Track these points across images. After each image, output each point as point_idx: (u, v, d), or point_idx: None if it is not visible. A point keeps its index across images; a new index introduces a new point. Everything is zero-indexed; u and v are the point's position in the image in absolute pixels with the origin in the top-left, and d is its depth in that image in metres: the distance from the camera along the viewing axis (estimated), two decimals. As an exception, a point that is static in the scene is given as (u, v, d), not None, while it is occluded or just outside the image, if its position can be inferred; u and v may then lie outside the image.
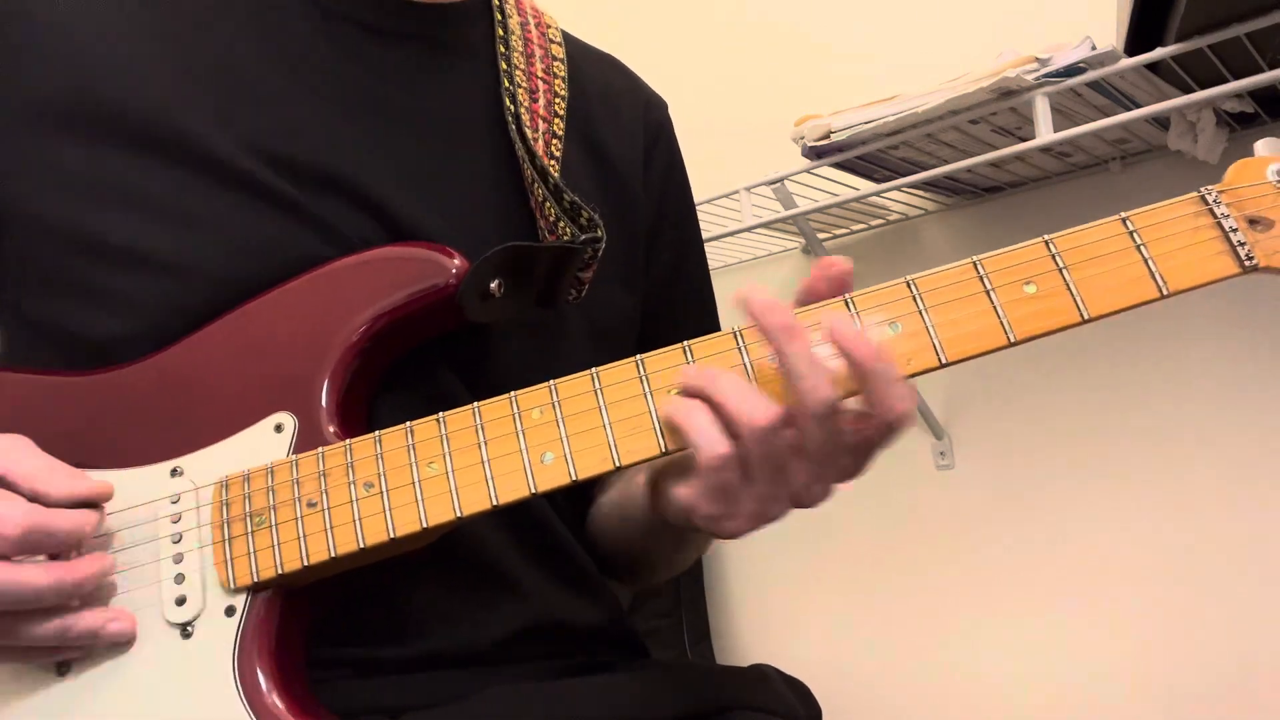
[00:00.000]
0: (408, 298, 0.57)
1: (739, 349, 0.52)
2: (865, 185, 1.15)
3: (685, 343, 0.53)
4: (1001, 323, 0.50)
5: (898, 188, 1.10)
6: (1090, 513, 1.20)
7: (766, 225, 1.19)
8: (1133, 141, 1.11)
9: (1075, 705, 1.20)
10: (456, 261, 0.58)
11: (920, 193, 1.29)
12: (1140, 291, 0.50)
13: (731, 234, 1.23)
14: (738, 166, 1.22)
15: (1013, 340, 0.50)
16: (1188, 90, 0.93)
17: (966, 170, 1.05)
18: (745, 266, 1.48)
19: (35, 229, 0.60)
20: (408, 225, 0.62)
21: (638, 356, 0.53)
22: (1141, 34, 0.87)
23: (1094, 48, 0.90)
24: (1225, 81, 0.88)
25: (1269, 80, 0.85)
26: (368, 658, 0.58)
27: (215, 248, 0.59)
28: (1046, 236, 0.53)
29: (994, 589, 1.27)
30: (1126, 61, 0.89)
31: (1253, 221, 0.51)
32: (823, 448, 0.48)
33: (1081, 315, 0.50)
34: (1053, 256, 0.52)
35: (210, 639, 0.52)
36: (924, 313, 0.51)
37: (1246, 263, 0.50)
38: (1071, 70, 0.91)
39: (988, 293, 0.51)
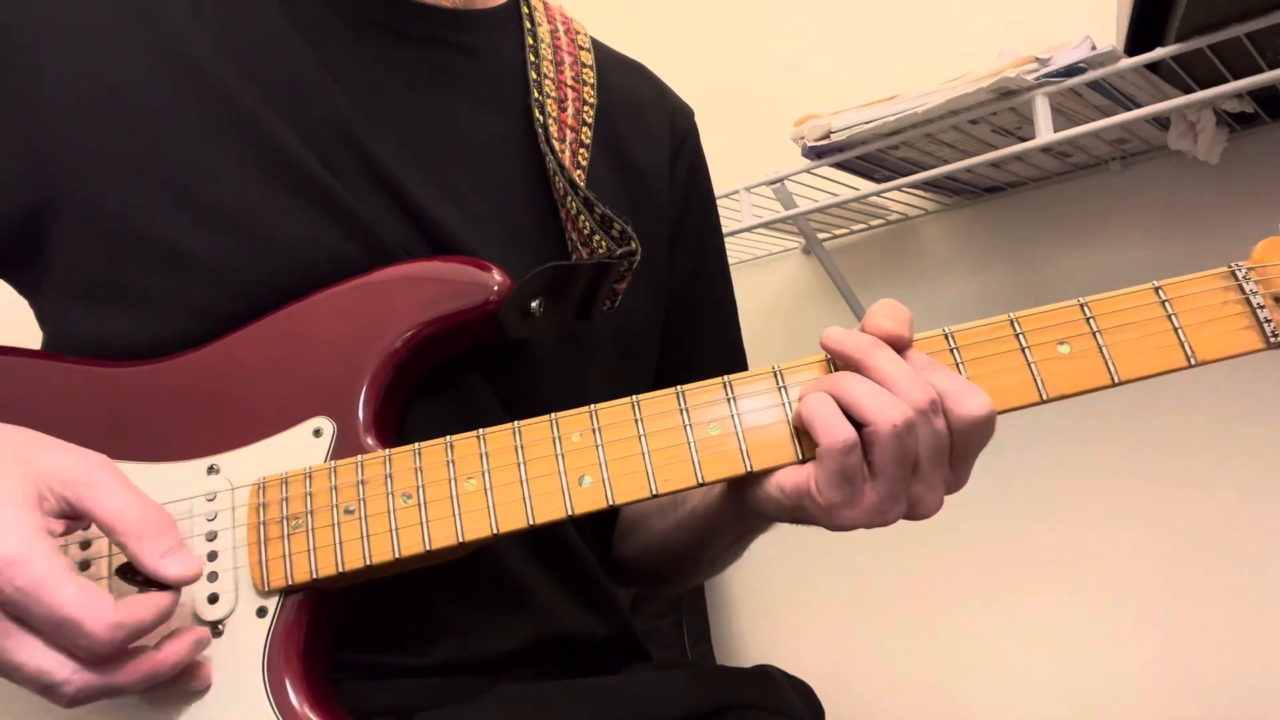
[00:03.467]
0: (450, 312, 0.58)
1: (779, 388, 0.54)
2: (865, 185, 1.15)
3: (725, 377, 0.54)
4: (1035, 380, 0.52)
5: (898, 188, 1.10)
6: (1092, 514, 1.20)
7: (766, 225, 1.19)
8: (1133, 141, 1.11)
9: (1076, 705, 1.20)
10: (499, 278, 0.59)
11: (920, 193, 1.29)
12: (1169, 359, 0.53)
13: (732, 234, 1.22)
14: (738, 166, 1.22)
15: (1045, 398, 0.52)
16: (1188, 90, 0.93)
17: (966, 170, 1.04)
18: (745, 266, 1.48)
19: (86, 219, 0.60)
20: (448, 237, 0.62)
21: (679, 388, 0.54)
22: (1141, 34, 0.87)
23: (1094, 48, 0.90)
24: (1225, 81, 0.88)
25: (1269, 80, 0.85)
26: (381, 663, 0.58)
27: (263, 253, 0.59)
28: (1081, 299, 0.54)
29: (995, 589, 1.27)
30: (1126, 61, 0.89)
31: (1279, 299, 0.53)
32: (930, 449, 0.50)
33: (1112, 378, 0.52)
34: (1088, 320, 0.53)
35: (240, 639, 0.52)
36: (960, 365, 0.53)
37: (1272, 339, 0.53)
38: (1071, 70, 0.91)
39: (1023, 350, 0.53)
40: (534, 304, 0.60)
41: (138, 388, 0.58)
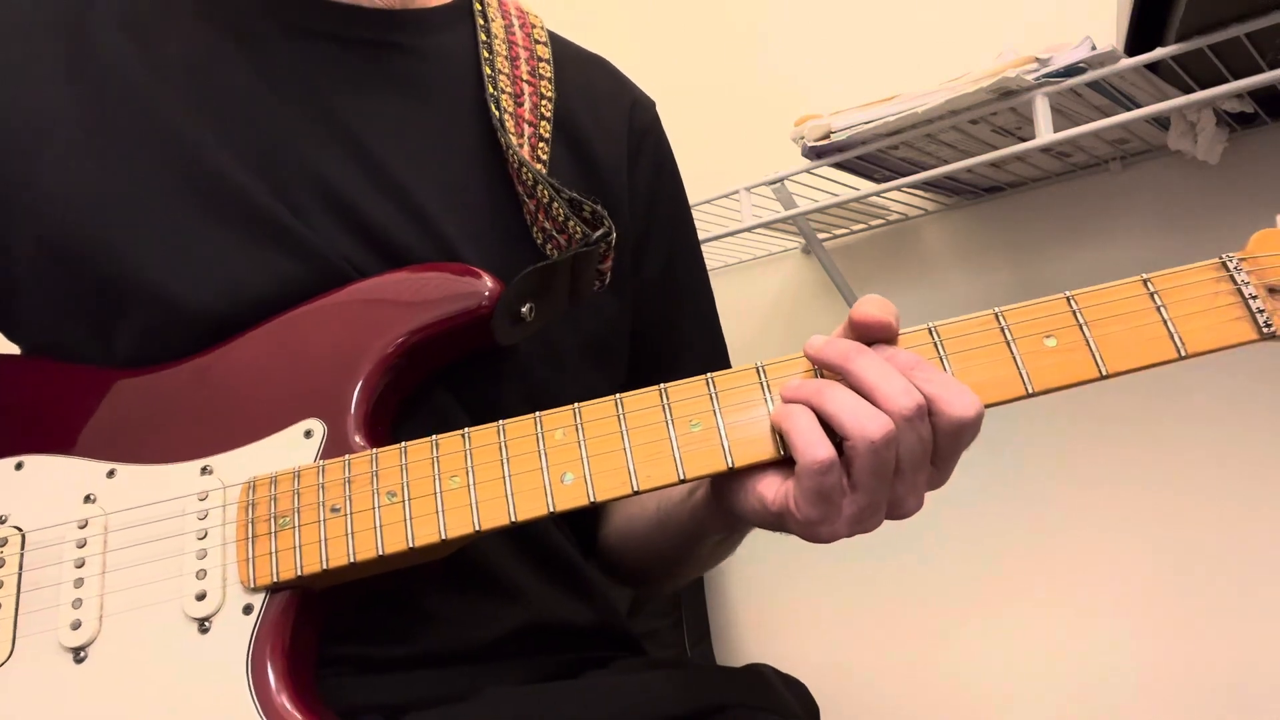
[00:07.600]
0: (442, 318, 0.59)
1: (761, 384, 0.53)
2: (865, 185, 1.15)
3: (708, 375, 0.54)
4: (1020, 374, 0.52)
5: (898, 188, 1.10)
6: (1091, 513, 1.20)
7: (766, 225, 1.19)
8: (1133, 141, 1.11)
9: (1074, 705, 1.20)
10: (489, 284, 0.59)
11: (920, 193, 1.29)
12: (1159, 351, 0.52)
13: (731, 234, 1.23)
14: (738, 166, 1.22)
15: (1030, 391, 0.51)
16: (1188, 90, 0.93)
17: (966, 170, 1.04)
18: (745, 266, 1.48)
19: (40, 248, 0.60)
20: (408, 254, 0.61)
21: (661, 386, 0.54)
22: (1141, 34, 0.87)
23: (1094, 48, 0.90)
24: (1225, 81, 0.88)
25: (1269, 80, 0.85)
26: (367, 655, 0.58)
27: (204, 284, 0.59)
28: (1068, 292, 0.53)
29: (993, 588, 1.27)
30: (1126, 61, 0.89)
31: (1273, 290, 0.52)
32: (913, 454, 0.49)
33: (1100, 371, 0.51)
34: (1074, 313, 0.53)
35: (226, 635, 0.53)
36: (944, 359, 0.52)
37: (1265, 329, 0.52)
38: (1071, 70, 0.91)
39: (1008, 344, 0.52)
40: (524, 309, 0.60)
41: (135, 392, 0.59)
